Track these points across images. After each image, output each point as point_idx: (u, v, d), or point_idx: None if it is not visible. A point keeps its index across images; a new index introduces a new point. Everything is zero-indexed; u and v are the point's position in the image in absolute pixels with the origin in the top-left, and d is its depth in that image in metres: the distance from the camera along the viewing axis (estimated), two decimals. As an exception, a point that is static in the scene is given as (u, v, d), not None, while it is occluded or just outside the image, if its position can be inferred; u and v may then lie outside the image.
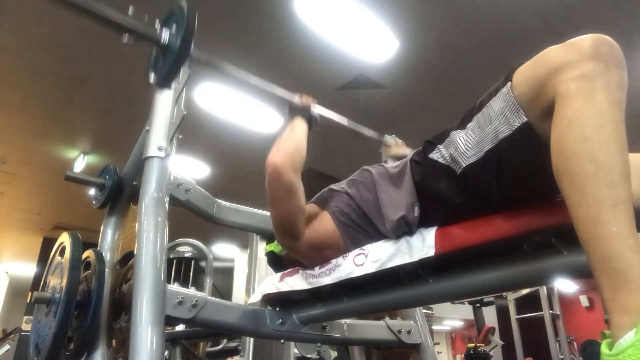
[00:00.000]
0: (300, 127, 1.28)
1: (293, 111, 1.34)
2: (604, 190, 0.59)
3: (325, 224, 1.14)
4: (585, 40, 0.67)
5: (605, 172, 0.59)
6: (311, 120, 1.34)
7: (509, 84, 0.77)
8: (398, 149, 1.85)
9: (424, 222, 0.95)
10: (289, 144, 1.18)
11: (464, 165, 0.84)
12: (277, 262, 1.35)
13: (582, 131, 0.62)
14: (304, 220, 1.14)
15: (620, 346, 0.53)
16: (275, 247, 1.31)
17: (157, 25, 1.11)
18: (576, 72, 0.65)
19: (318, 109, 1.40)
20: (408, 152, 1.82)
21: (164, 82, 1.14)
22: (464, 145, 0.84)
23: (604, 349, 0.55)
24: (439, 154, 0.91)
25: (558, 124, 0.66)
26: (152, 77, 1.15)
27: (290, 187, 1.09)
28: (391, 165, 1.12)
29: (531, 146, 0.74)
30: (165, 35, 1.10)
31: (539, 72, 0.71)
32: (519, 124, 0.74)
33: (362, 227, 1.10)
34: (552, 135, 0.67)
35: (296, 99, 1.37)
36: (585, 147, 0.62)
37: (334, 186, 1.22)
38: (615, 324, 0.55)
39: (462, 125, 0.88)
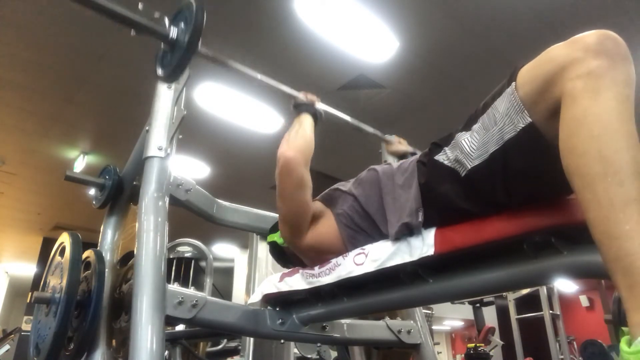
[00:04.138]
0: (307, 121, 1.31)
1: (298, 107, 1.38)
2: (615, 189, 0.58)
3: (328, 228, 1.15)
4: (590, 37, 0.66)
5: (614, 171, 0.59)
6: (316, 115, 1.37)
7: (513, 84, 0.76)
8: (399, 146, 1.87)
9: (426, 223, 0.95)
10: (298, 138, 1.21)
11: (469, 167, 0.83)
12: (279, 253, 1.36)
13: (590, 130, 0.61)
14: (309, 215, 1.16)
15: (639, 343, 0.53)
16: (278, 238, 1.31)
17: (166, 21, 1.14)
18: (582, 69, 0.64)
19: (321, 106, 1.43)
20: (410, 149, 1.84)
21: (171, 77, 1.17)
22: (469, 147, 0.83)
23: (623, 345, 0.54)
24: (444, 156, 0.90)
25: (566, 124, 0.65)
26: (159, 71, 1.18)
27: (301, 180, 1.13)
28: (398, 166, 1.11)
29: (536, 147, 0.73)
30: (173, 31, 1.13)
31: (544, 70, 0.70)
32: (523, 125, 0.73)
33: (364, 230, 1.10)
34: (561, 135, 0.66)
35: (300, 95, 1.40)
36: (594, 146, 0.61)
37: (340, 186, 1.22)
38: (633, 322, 0.55)
39: (467, 127, 0.87)
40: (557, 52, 0.69)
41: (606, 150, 0.60)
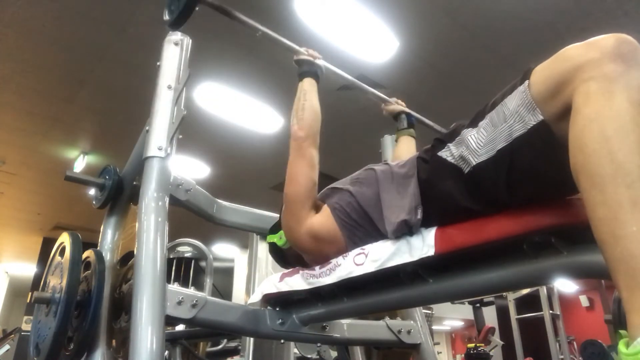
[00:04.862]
0: (311, 88, 1.36)
1: (300, 65, 1.43)
2: (624, 190, 0.58)
3: (326, 219, 1.14)
4: (607, 40, 0.66)
5: (625, 172, 0.59)
6: (317, 73, 1.42)
7: (526, 82, 0.75)
8: (396, 106, 1.94)
9: (426, 221, 0.94)
10: (307, 113, 1.27)
11: (474, 163, 0.82)
12: (279, 254, 1.36)
13: (602, 131, 0.62)
14: (313, 198, 1.19)
15: (638, 345, 0.53)
16: (278, 239, 1.31)
17: None
18: (597, 71, 0.65)
19: (323, 63, 1.49)
20: (407, 110, 1.92)
21: (176, 22, 1.24)
22: (476, 143, 0.83)
23: (621, 347, 0.54)
24: (448, 153, 0.89)
25: (578, 123, 0.65)
26: (166, 16, 1.27)
27: (311, 159, 1.21)
28: (397, 164, 1.11)
29: (546, 146, 0.73)
30: None
31: (558, 70, 0.70)
32: (534, 123, 0.73)
33: (363, 227, 1.09)
34: (571, 134, 0.66)
35: (302, 51, 1.45)
36: (605, 147, 0.61)
37: (337, 184, 1.22)
38: (633, 324, 0.55)
39: (473, 123, 0.86)
40: (573, 52, 0.69)
41: (618, 152, 0.60)
